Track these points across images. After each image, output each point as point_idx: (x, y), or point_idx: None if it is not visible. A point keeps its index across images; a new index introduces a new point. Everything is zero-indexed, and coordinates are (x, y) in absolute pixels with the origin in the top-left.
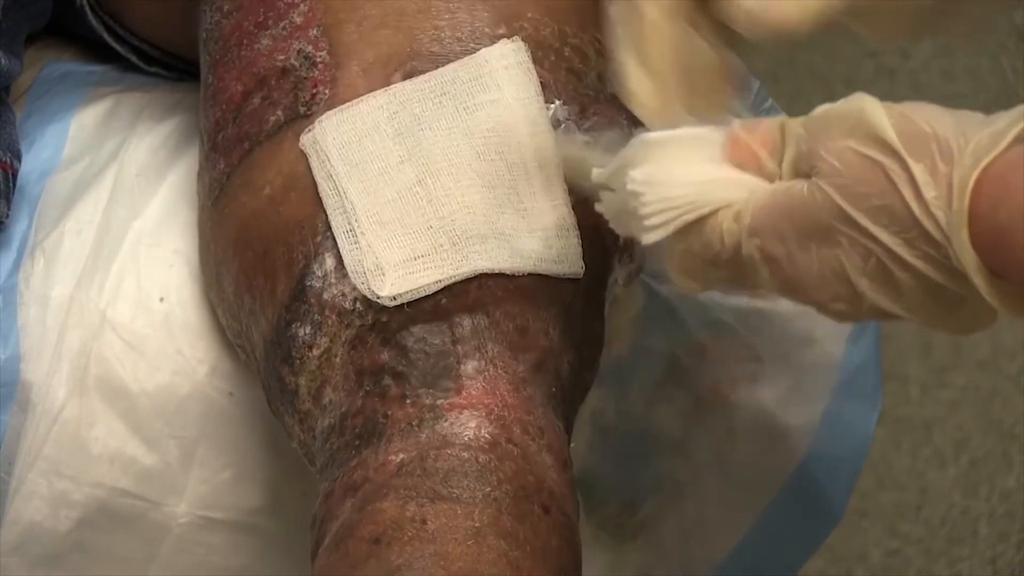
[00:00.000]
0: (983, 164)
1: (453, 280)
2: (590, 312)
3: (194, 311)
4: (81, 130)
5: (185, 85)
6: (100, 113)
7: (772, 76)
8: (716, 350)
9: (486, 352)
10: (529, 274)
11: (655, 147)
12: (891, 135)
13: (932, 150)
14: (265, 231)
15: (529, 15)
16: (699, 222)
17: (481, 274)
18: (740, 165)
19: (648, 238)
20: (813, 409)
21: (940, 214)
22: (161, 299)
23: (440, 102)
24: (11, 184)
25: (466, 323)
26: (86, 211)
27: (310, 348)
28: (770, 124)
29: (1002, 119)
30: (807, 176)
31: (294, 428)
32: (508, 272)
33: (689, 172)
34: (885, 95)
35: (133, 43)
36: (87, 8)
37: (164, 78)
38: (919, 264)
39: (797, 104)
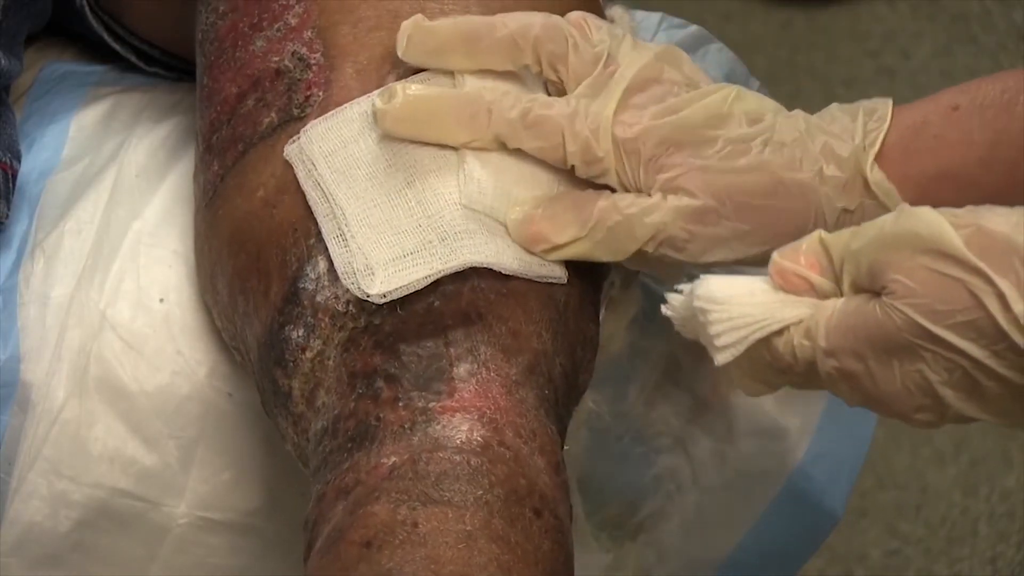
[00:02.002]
0: None
1: (443, 274)
2: (584, 315)
3: (193, 312)
4: (81, 130)
5: (185, 85)
6: (100, 113)
7: (772, 76)
8: None
9: (479, 355)
10: (521, 277)
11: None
12: (968, 254)
13: (1014, 263)
14: (258, 233)
15: None
16: (768, 339)
17: (474, 278)
18: (795, 292)
19: (720, 359)
20: (812, 409)
21: None
22: (161, 299)
23: None
24: (11, 185)
25: (459, 326)
26: (86, 211)
27: (303, 350)
28: (810, 245)
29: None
30: (869, 292)
31: (288, 430)
32: (496, 267)
33: (752, 290)
34: (885, 95)
35: (133, 43)
36: (86, 8)
37: (164, 78)
38: (1008, 374)
39: (797, 104)
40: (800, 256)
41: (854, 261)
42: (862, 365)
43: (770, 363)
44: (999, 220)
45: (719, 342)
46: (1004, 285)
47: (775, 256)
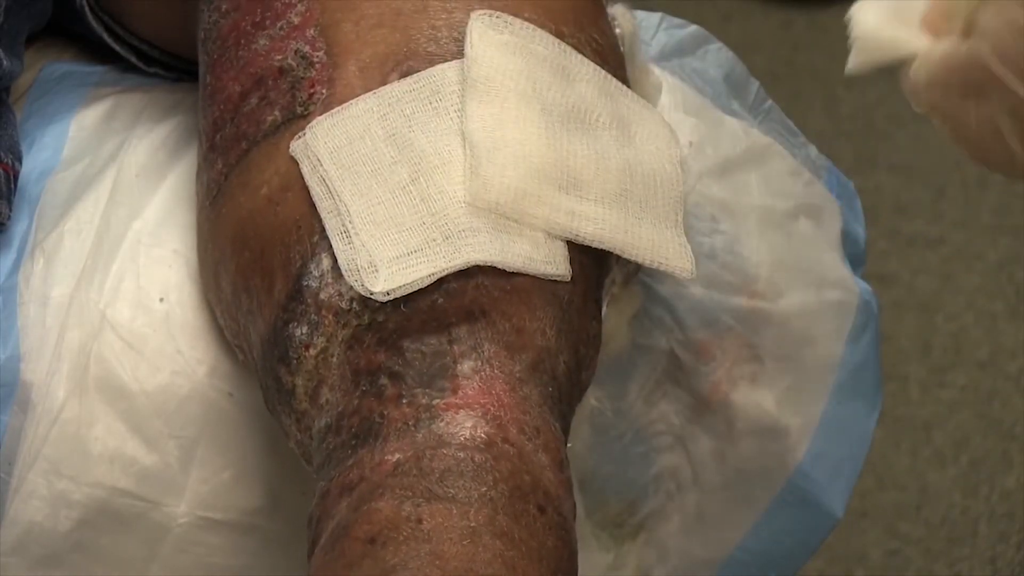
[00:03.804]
0: None
1: (446, 272)
2: (587, 312)
3: (194, 311)
4: (81, 130)
5: (185, 86)
6: (100, 114)
7: (772, 76)
8: (716, 350)
9: (482, 352)
10: (525, 274)
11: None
12: None
13: None
14: (262, 231)
15: (526, 15)
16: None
17: (478, 275)
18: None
19: (848, 68)
20: (813, 409)
21: None
22: (161, 299)
23: (432, 102)
24: (12, 185)
25: (462, 323)
26: (86, 211)
27: (307, 348)
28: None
29: None
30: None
31: (291, 428)
32: (499, 265)
33: (899, 19)
34: (885, 95)
35: (133, 43)
36: (86, 8)
37: (164, 79)
38: None
39: (797, 104)
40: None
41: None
42: (950, 102)
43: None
44: None
45: (852, 59)
46: None
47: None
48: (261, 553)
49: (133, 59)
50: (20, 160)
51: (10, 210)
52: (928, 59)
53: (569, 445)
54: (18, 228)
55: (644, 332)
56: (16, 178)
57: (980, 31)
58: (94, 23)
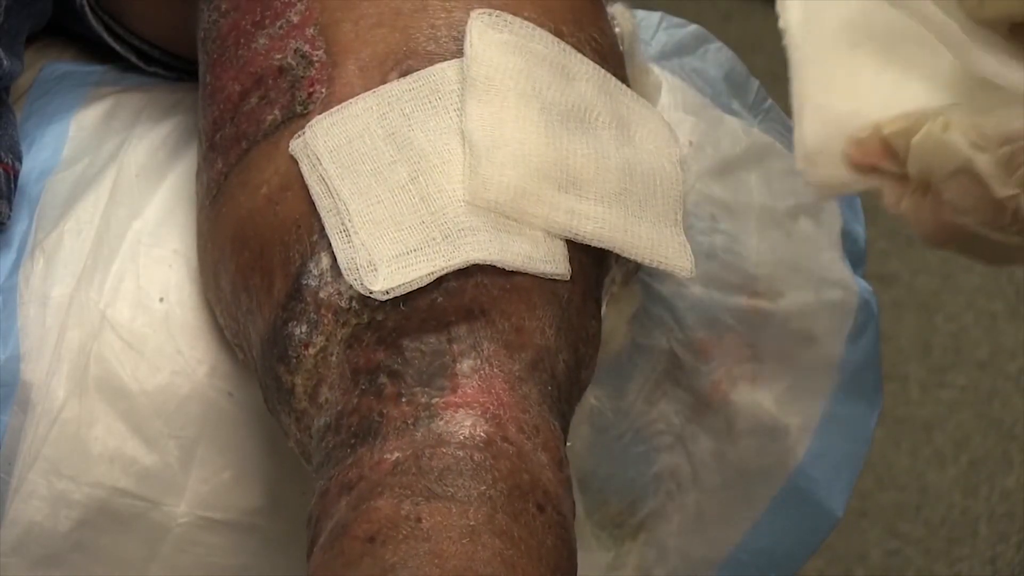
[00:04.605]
0: None
1: (445, 271)
2: (587, 311)
3: (193, 311)
4: (81, 130)
5: (185, 85)
6: (100, 113)
7: (772, 76)
8: (716, 349)
9: (482, 351)
10: (524, 273)
11: None
12: (1002, 190)
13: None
14: (262, 230)
15: (526, 14)
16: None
17: (477, 274)
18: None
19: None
20: (813, 409)
21: None
22: (161, 299)
23: (431, 101)
24: (12, 185)
25: (462, 322)
26: (86, 211)
27: (306, 347)
28: (873, 141)
29: None
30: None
31: (291, 427)
32: (499, 264)
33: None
34: None
35: (133, 43)
36: (87, 8)
37: (163, 78)
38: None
39: None
40: (867, 149)
41: (913, 163)
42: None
43: None
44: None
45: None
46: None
47: (849, 150)
48: (261, 553)
49: (133, 59)
50: (20, 160)
51: (10, 210)
52: (898, 210)
53: (568, 444)
54: (18, 228)
55: (644, 331)
56: (16, 178)
57: (949, 202)
58: (94, 23)
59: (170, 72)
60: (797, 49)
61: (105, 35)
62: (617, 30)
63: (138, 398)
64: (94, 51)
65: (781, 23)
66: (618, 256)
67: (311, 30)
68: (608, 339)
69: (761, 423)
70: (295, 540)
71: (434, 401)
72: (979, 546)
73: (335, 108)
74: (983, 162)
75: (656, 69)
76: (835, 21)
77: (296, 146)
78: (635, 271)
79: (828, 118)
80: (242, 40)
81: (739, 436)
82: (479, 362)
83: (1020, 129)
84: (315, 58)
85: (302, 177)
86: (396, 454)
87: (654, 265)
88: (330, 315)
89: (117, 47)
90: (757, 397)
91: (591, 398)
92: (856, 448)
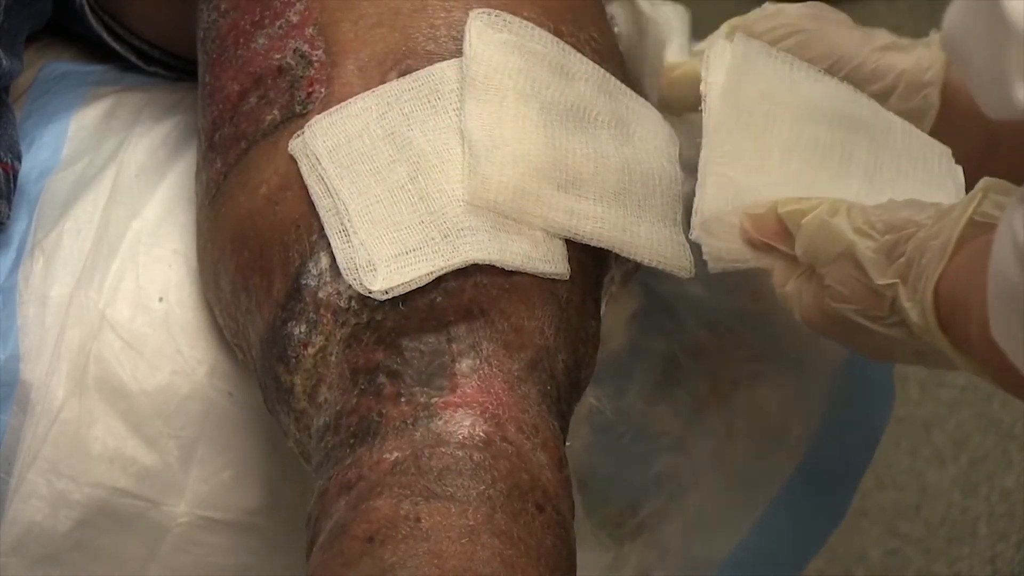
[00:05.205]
0: (934, 281)
1: (444, 271)
2: (586, 310)
3: (193, 311)
4: (80, 130)
5: (184, 85)
6: (99, 113)
7: None
8: (716, 350)
9: (481, 351)
10: (523, 273)
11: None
12: (880, 278)
13: (909, 274)
14: (261, 230)
15: (525, 14)
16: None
17: (476, 274)
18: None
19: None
20: (814, 410)
21: (919, 322)
22: (160, 299)
23: (430, 101)
24: (12, 184)
25: (461, 322)
26: (85, 211)
27: (305, 347)
28: (769, 218)
29: (945, 227)
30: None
31: (290, 427)
32: (498, 264)
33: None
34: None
35: (132, 43)
36: (86, 8)
37: (163, 78)
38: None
39: None
40: (764, 226)
41: (801, 247)
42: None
43: None
44: (894, 217)
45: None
46: (903, 294)
47: (744, 224)
48: (261, 552)
49: (133, 58)
50: (20, 159)
51: (10, 209)
52: (788, 288)
53: (568, 444)
54: (17, 227)
55: (644, 332)
56: (16, 177)
57: (836, 296)
58: (94, 22)
59: (170, 72)
60: (713, 115)
61: (105, 35)
62: (617, 30)
63: (138, 398)
64: (94, 51)
65: (702, 87)
66: (617, 256)
67: (310, 30)
68: (607, 339)
69: (761, 424)
70: (295, 540)
71: (433, 401)
72: (979, 545)
73: (334, 108)
74: (864, 248)
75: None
76: (755, 94)
77: (295, 146)
78: (634, 271)
79: (729, 190)
80: (241, 40)
81: (739, 437)
82: (478, 362)
83: (905, 219)
84: (314, 58)
85: (301, 177)
86: (395, 454)
87: (653, 265)
88: (329, 315)
89: (117, 47)
90: (758, 398)
91: (591, 398)
92: (859, 448)
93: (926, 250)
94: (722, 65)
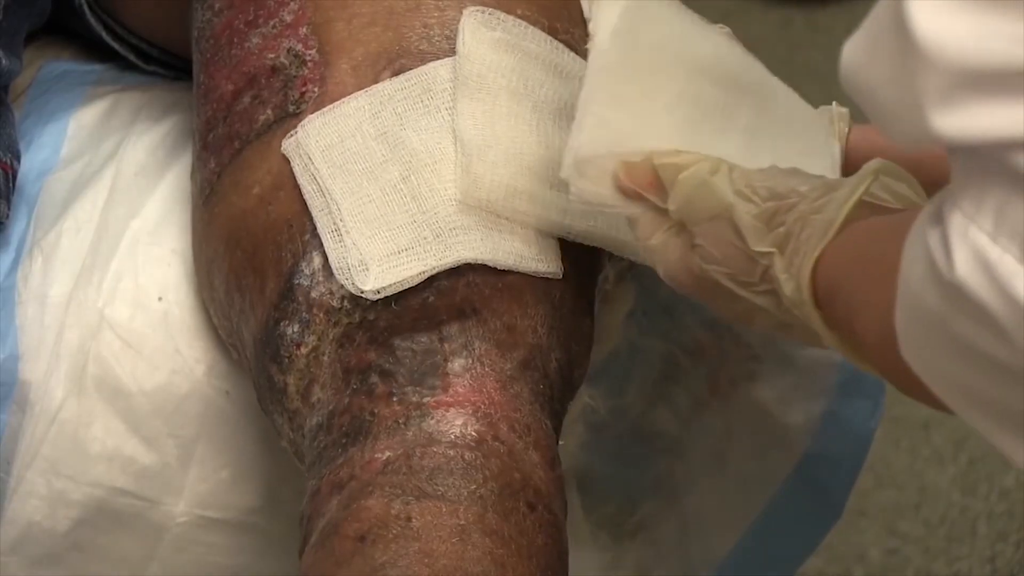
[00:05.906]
0: (813, 258)
1: (436, 270)
2: (579, 310)
3: (192, 310)
4: (79, 129)
5: (183, 84)
6: (98, 112)
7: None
8: (715, 349)
9: (473, 350)
10: (516, 272)
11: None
12: (757, 244)
13: (787, 246)
14: (254, 230)
15: (519, 12)
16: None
17: (469, 273)
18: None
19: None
20: (813, 408)
21: (793, 295)
22: (159, 298)
23: (423, 100)
24: (11, 184)
25: (453, 321)
26: (84, 210)
27: (298, 346)
28: (644, 168)
29: (831, 204)
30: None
31: (283, 427)
32: (490, 263)
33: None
34: None
35: (131, 42)
36: (85, 7)
37: (162, 77)
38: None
39: None
40: (636, 175)
41: (674, 205)
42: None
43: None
44: (776, 183)
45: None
46: (778, 264)
47: (618, 171)
48: (259, 551)
49: (132, 57)
50: (19, 159)
51: (9, 209)
52: (654, 241)
53: (561, 443)
54: (16, 227)
55: (643, 332)
56: (15, 177)
57: (707, 257)
58: (93, 21)
59: (169, 71)
60: (599, 56)
61: (104, 34)
62: None
63: (137, 397)
64: (93, 50)
65: (591, 27)
66: (611, 254)
67: (304, 29)
68: (603, 337)
69: (761, 424)
70: (294, 539)
71: (425, 400)
72: (978, 545)
73: (327, 107)
74: (744, 212)
75: None
76: (646, 42)
77: (288, 145)
78: (628, 269)
79: (608, 133)
80: (235, 39)
81: (738, 436)
82: (470, 361)
83: (789, 189)
84: (308, 57)
85: (294, 177)
86: (387, 453)
87: (647, 263)
88: (322, 314)
89: (116, 46)
90: (756, 397)
91: (584, 396)
92: (857, 447)
93: (808, 223)
94: (615, 7)
